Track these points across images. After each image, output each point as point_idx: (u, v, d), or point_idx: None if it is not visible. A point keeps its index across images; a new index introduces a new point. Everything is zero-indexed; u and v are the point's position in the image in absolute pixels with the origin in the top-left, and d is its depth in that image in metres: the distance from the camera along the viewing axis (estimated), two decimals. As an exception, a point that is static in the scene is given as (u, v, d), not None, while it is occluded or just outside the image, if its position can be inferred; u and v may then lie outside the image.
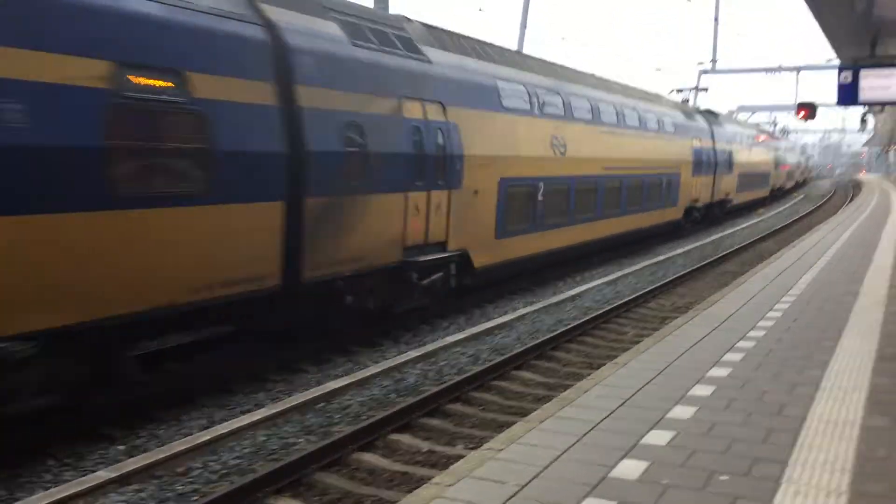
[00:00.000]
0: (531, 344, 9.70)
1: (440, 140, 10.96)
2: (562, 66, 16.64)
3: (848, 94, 14.40)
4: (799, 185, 60.92)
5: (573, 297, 13.20)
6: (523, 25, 26.65)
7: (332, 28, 9.41)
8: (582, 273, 16.42)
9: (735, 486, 3.75)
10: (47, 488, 5.60)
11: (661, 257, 18.58)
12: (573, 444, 4.32)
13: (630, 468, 3.98)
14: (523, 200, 13.43)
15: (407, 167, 10.20)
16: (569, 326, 10.68)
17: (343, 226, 9.10)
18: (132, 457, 6.19)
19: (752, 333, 7.17)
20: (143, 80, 6.74)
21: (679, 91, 33.85)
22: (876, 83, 14.17)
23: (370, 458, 6.31)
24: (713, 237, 23.63)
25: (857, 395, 5.27)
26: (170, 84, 6.98)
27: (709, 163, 25.36)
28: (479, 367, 8.72)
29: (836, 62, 16.47)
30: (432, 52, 11.33)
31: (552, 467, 3.99)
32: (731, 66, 44.94)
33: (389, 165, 9.87)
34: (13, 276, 5.86)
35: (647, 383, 5.53)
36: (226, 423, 6.83)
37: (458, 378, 8.22)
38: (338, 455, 6.25)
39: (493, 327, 10.80)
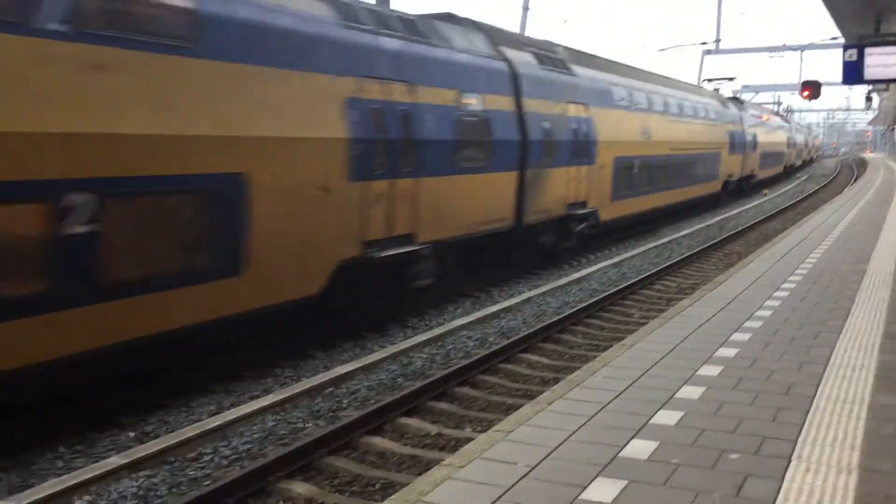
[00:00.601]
0: (537, 327, 9.72)
1: (585, 130, 15.39)
2: (644, 71, 21.31)
3: (853, 73, 14.31)
4: (806, 164, 63.48)
5: (578, 280, 13.21)
6: (525, 8, 26.56)
7: (530, 58, 13.95)
8: (587, 255, 16.42)
9: (745, 465, 3.77)
10: (60, 475, 5.65)
11: (666, 239, 18.56)
12: (582, 425, 4.33)
13: (640, 448, 4.00)
14: (626, 173, 17.75)
15: (570, 149, 14.71)
16: (575, 309, 10.70)
17: (540, 188, 13.58)
18: (143, 443, 6.24)
19: (759, 313, 7.16)
20: (466, 101, 11.37)
21: (710, 81, 37.68)
22: (881, 61, 14.09)
23: (379, 442, 6.34)
24: (718, 218, 23.59)
25: (864, 373, 5.27)
26: (476, 102, 11.63)
27: (740, 143, 29.92)
28: (485, 351, 8.75)
29: (841, 41, 16.37)
30: (575, 68, 15.83)
31: (562, 448, 4.01)
32: (735, 46, 44.59)
33: (562, 148, 14.35)
34: (428, 212, 10.37)
35: (655, 364, 5.53)
36: (235, 409, 6.87)
37: (465, 361, 8.24)
38: (347, 439, 6.29)
39: (498, 311, 10.81)
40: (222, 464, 5.97)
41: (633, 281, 12.72)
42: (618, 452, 3.95)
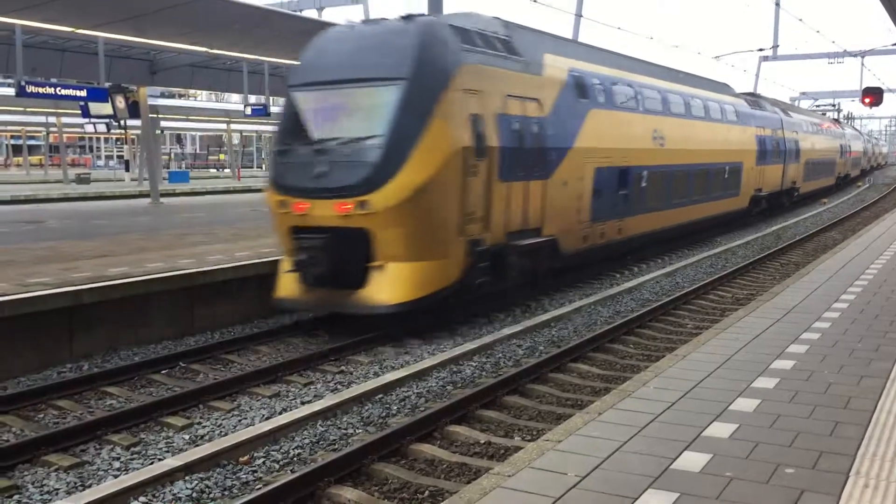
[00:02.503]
0: (588, 336, 9.64)
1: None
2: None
3: (917, 79, 13.93)
4: (866, 173, 60.14)
5: (630, 290, 13.06)
6: (578, 14, 26.44)
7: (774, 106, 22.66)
8: (639, 265, 16.24)
9: (801, 480, 3.68)
10: (116, 476, 5.78)
11: (721, 248, 18.26)
12: (634, 436, 4.28)
13: (692, 460, 3.94)
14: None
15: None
16: (626, 318, 10.58)
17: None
18: (197, 445, 6.34)
19: (816, 325, 7.00)
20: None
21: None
22: (947, 66, 13.69)
23: (428, 449, 6.34)
24: (775, 227, 23.12)
25: (928, 387, 5.11)
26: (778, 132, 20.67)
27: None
28: (535, 360, 8.70)
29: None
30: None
31: (613, 458, 3.97)
32: (793, 52, 43.74)
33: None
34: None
35: (709, 375, 5.45)
36: (287, 414, 6.95)
37: (514, 370, 8.21)
38: (396, 445, 6.31)
39: (549, 319, 10.75)
40: (274, 468, 6.04)
41: (687, 291, 12.54)
42: (669, 464, 3.89)
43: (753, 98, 26.69)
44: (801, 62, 72.95)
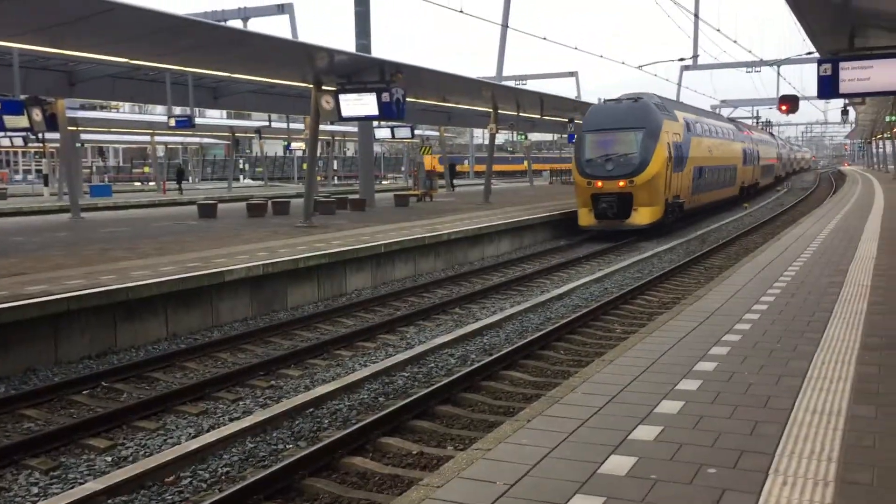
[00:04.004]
0: (519, 343, 9.71)
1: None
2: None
3: (828, 87, 14.46)
4: (789, 175, 70.94)
5: (560, 296, 13.22)
6: (505, 24, 26.74)
7: (744, 133, 38.26)
8: (568, 271, 16.46)
9: (723, 479, 3.76)
10: (35, 502, 5.56)
11: (648, 253, 18.64)
12: (561, 442, 4.32)
13: (618, 464, 3.99)
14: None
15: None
16: (557, 325, 10.70)
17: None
18: (120, 467, 6.16)
19: (738, 326, 7.20)
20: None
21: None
22: (855, 75, 14.25)
23: (360, 462, 6.29)
24: (699, 232, 23.73)
25: (842, 384, 5.30)
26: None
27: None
28: (467, 368, 8.72)
29: (816, 55, 16.54)
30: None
31: (541, 465, 3.99)
32: (712, 61, 45.07)
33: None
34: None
35: (635, 379, 5.54)
36: (214, 431, 6.81)
37: (447, 379, 8.21)
38: (328, 460, 6.24)
39: (480, 328, 10.80)
40: (201, 487, 5.90)
41: (616, 296, 12.76)
42: (596, 469, 3.94)
43: (736, 122, 42.41)
44: (720, 71, 75.28)
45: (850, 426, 4.48)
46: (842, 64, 14.12)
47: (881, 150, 71.24)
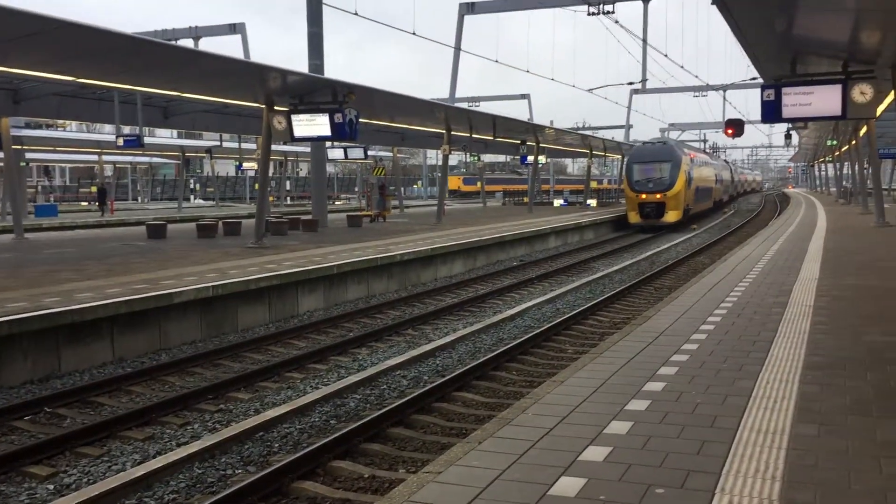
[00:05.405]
0: (472, 364, 9.72)
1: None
2: (709, 150, 61.37)
3: (771, 112, 14.89)
4: (740, 195, 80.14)
5: (513, 317, 13.29)
6: (457, 48, 26.97)
7: (717, 161, 56.28)
8: (521, 292, 16.56)
9: (670, 499, 3.80)
10: (-29, 533, 5.38)
11: (599, 274, 18.85)
12: (512, 464, 4.33)
13: (568, 485, 4.01)
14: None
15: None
16: (509, 345, 10.74)
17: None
18: (63, 495, 5.99)
19: (686, 346, 7.30)
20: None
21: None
22: (797, 100, 14.70)
23: (311, 487, 6.21)
24: (649, 253, 24.08)
25: (786, 403, 5.40)
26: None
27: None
28: (420, 390, 8.70)
29: (760, 81, 17.01)
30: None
31: (491, 488, 3.99)
32: (660, 85, 46.06)
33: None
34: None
35: (585, 400, 5.58)
36: (161, 457, 6.66)
37: (399, 401, 8.17)
38: (277, 485, 6.15)
39: (433, 349, 10.79)
40: (146, 515, 5.77)
41: (568, 316, 12.86)
42: (546, 490, 3.95)
43: (710, 154, 61.94)
44: (669, 95, 76.81)
45: (793, 445, 4.57)
46: (784, 89, 14.55)
47: (823, 174, 73.28)
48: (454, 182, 77.48)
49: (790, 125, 32.00)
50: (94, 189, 54.88)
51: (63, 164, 74.98)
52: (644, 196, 34.30)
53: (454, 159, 71.11)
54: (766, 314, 8.99)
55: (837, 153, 43.46)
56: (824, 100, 14.40)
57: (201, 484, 6.33)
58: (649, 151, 35.88)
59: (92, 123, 51.22)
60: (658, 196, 34.06)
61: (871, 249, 16.81)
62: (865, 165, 33.89)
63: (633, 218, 34.77)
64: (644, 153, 36.01)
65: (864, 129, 27.27)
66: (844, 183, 50.17)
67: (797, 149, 66.80)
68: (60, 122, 50.79)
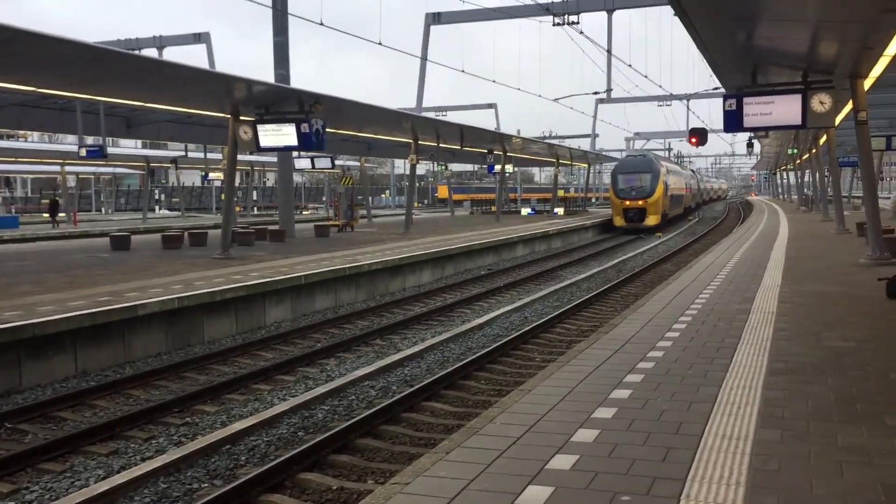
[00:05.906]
0: (440, 374, 9.72)
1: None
2: (678, 161, 69.65)
3: (733, 121, 15.10)
4: (706, 202, 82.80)
5: (481, 326, 13.31)
6: (424, 57, 27.03)
7: (685, 171, 60.85)
8: (489, 300, 16.60)
9: (637, 506, 3.83)
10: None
11: (567, 282, 18.96)
12: (480, 474, 4.34)
13: (536, 494, 4.03)
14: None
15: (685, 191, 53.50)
16: (477, 354, 10.76)
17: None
18: (24, 513, 5.88)
19: (651, 354, 7.38)
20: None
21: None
22: (758, 110, 14.92)
23: (278, 500, 6.17)
24: (615, 261, 24.28)
25: (749, 409, 5.48)
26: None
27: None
28: (388, 400, 8.67)
29: (723, 91, 17.25)
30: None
31: (459, 498, 4.00)
32: (625, 95, 46.51)
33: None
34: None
35: (552, 408, 5.61)
36: (125, 472, 6.57)
37: (367, 412, 8.15)
38: (244, 498, 6.10)
39: (401, 359, 10.77)
40: (110, 531, 5.68)
41: (535, 325, 12.91)
42: (514, 500, 3.96)
43: (683, 165, 69.82)
44: (633, 105, 77.57)
45: (756, 450, 4.63)
46: (745, 99, 14.77)
47: (785, 181, 74.46)
48: (444, 191, 77.44)
49: (752, 134, 32.54)
50: (45, 202, 54.13)
51: (24, 175, 73.78)
52: (628, 202, 39.16)
53: (422, 168, 71.17)
54: (729, 321, 9.12)
55: (798, 161, 44.26)
56: (785, 109, 14.63)
57: (166, 499, 6.26)
58: (632, 163, 41.50)
59: (55, 133, 50.54)
60: (640, 202, 38.93)
61: (831, 256, 17.12)
62: (826, 174, 34.53)
63: (619, 222, 39.48)
64: (627, 165, 41.70)
65: (823, 138, 27.78)
66: (805, 191, 51.06)
67: (759, 157, 67.87)
68: (21, 132, 50.01)
